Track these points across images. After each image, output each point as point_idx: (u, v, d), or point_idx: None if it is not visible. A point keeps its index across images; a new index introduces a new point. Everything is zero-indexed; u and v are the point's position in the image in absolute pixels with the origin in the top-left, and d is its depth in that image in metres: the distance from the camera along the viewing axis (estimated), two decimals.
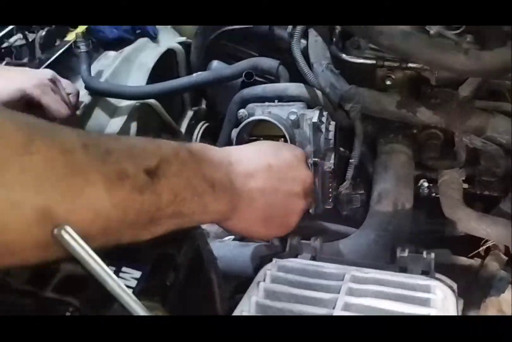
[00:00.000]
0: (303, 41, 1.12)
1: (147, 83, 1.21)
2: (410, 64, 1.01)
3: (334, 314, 0.58)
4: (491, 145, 1.03)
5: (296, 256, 0.79)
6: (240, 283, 0.78)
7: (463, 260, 1.17)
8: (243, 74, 1.12)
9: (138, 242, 0.62)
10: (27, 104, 0.92)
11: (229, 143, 1.09)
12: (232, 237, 1.10)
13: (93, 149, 0.42)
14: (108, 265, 0.61)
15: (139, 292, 0.58)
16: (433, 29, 0.96)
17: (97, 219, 0.41)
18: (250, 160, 0.60)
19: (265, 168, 0.60)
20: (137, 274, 0.60)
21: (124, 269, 0.61)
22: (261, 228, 0.63)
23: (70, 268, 0.52)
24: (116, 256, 0.62)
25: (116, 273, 0.60)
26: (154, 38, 1.35)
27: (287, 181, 0.62)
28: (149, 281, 0.59)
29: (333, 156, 1.05)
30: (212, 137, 1.35)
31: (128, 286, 0.58)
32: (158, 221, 0.49)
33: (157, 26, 1.36)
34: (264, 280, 0.67)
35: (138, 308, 0.52)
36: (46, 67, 1.11)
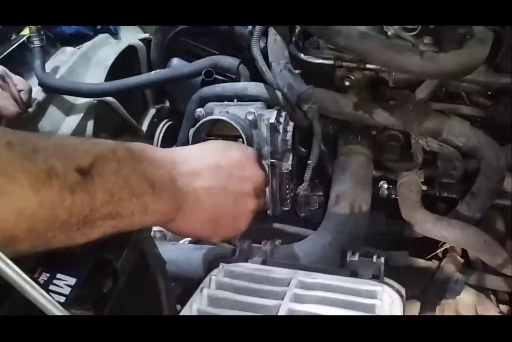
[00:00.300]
0: (263, 40, 1.11)
1: (106, 80, 1.18)
2: (368, 65, 1.01)
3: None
4: (447, 148, 1.04)
5: (246, 260, 0.78)
6: (192, 286, 0.76)
7: (421, 262, 1.17)
8: (203, 72, 1.10)
9: (74, 246, 0.60)
10: None
11: (187, 142, 1.07)
12: (188, 239, 1.08)
13: (18, 147, 0.40)
14: (41, 272, 0.59)
15: (72, 299, 0.56)
16: (390, 30, 0.96)
17: (22, 219, 0.39)
18: (196, 159, 0.57)
19: (212, 168, 0.57)
20: (72, 281, 0.58)
21: (58, 275, 0.58)
22: (208, 229, 0.61)
23: None
24: (50, 262, 0.60)
25: (50, 280, 0.58)
26: (114, 34, 1.32)
27: (237, 180, 0.59)
28: (83, 288, 0.57)
29: (291, 157, 1.05)
30: (174, 136, 1.33)
31: (61, 294, 0.57)
32: (93, 222, 0.47)
33: None
34: (209, 286, 0.66)
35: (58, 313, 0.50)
36: None
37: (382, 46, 0.90)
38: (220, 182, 0.57)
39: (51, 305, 0.48)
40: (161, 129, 1.37)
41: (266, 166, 1.00)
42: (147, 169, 0.51)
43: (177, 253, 0.89)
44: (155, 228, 1.05)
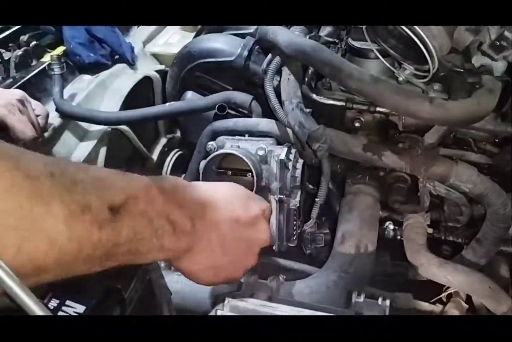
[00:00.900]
0: (277, 78, 1.14)
1: (121, 109, 1.20)
2: (378, 108, 1.03)
3: None
4: (454, 193, 1.05)
5: (251, 295, 0.77)
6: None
7: (425, 305, 1.16)
8: (216, 106, 1.13)
9: (86, 275, 0.60)
10: None
11: (197, 174, 1.08)
12: None
13: (60, 178, 0.41)
14: (51, 297, 0.59)
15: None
16: (401, 76, 0.99)
17: (52, 250, 0.40)
18: (220, 209, 0.58)
19: (233, 220, 0.59)
20: (81, 308, 0.58)
21: (68, 302, 0.58)
22: (209, 275, 0.62)
23: None
24: (60, 289, 0.60)
25: (59, 306, 0.58)
26: (132, 64, 1.35)
27: (248, 238, 0.61)
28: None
29: (299, 194, 1.05)
30: (184, 165, 1.34)
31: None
32: (113, 256, 0.47)
33: (135, 53, 1.36)
34: None
35: None
36: (19, 87, 1.09)
37: (392, 91, 0.92)
38: (233, 236, 0.59)
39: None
40: (171, 159, 1.39)
41: (274, 202, 1.01)
42: (173, 211, 0.52)
43: (183, 284, 0.88)
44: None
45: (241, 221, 0.59)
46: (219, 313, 0.66)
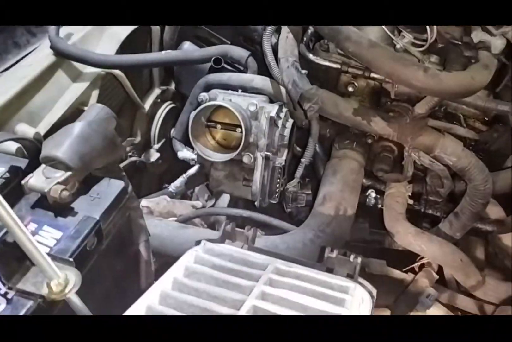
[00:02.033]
0: (276, 36, 1.13)
1: (116, 53, 1.19)
2: (373, 74, 1.03)
3: (248, 301, 0.58)
4: (438, 165, 1.06)
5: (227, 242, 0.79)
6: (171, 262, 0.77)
7: (397, 273, 1.20)
8: (212, 59, 1.12)
9: (64, 202, 0.61)
10: None
11: (186, 125, 1.08)
12: (174, 218, 1.09)
13: None
14: (30, 221, 0.60)
15: (56, 252, 0.57)
16: (400, 44, 0.99)
17: None
18: None
19: None
20: (58, 234, 0.59)
21: (45, 227, 0.60)
22: None
23: None
24: (40, 213, 0.61)
25: (37, 230, 0.59)
26: None
27: None
28: (68, 243, 0.58)
29: (285, 152, 1.06)
30: (175, 118, 1.34)
31: (46, 245, 0.58)
32: None
33: None
34: (188, 260, 0.67)
35: (48, 267, 0.51)
36: None
37: (389, 57, 0.92)
38: None
39: (36, 252, 0.50)
40: (163, 110, 1.38)
41: (260, 159, 1.02)
42: None
43: (162, 228, 0.90)
44: (142, 204, 1.06)
45: None
46: (194, 253, 0.68)
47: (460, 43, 0.97)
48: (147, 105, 1.35)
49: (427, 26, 0.89)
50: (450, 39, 0.97)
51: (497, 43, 1.03)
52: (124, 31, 1.23)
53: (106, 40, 1.21)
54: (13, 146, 0.81)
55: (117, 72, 1.18)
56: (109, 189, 0.66)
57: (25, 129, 0.97)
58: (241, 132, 1.00)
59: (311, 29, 1.12)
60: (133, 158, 1.23)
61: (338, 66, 1.05)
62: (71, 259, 0.55)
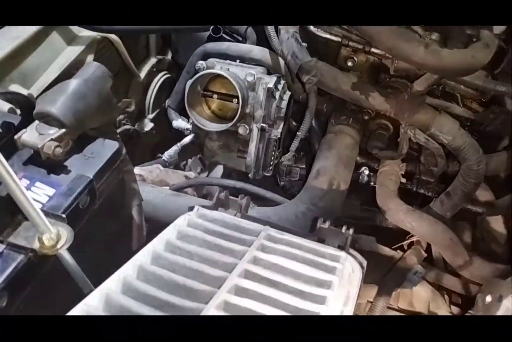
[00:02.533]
0: None
1: None
2: (373, 49, 1.02)
3: (240, 264, 0.58)
4: (433, 143, 1.06)
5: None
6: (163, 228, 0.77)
7: (386, 250, 1.21)
8: (211, 28, 1.10)
9: (57, 159, 0.60)
10: None
11: (182, 93, 1.07)
12: (167, 187, 1.09)
13: None
14: (22, 177, 0.60)
15: (48, 208, 0.56)
16: None
17: None
18: None
19: None
20: (50, 191, 0.58)
21: (37, 184, 0.59)
22: None
23: None
24: (32, 170, 0.61)
25: (29, 186, 0.58)
26: None
27: None
28: (61, 200, 0.57)
29: (282, 125, 1.06)
30: (170, 88, 1.32)
31: (38, 201, 0.57)
32: None
33: None
34: (182, 223, 0.67)
35: (40, 221, 0.51)
36: None
37: (390, 31, 0.91)
38: None
39: (30, 206, 0.49)
40: (158, 79, 1.36)
41: (256, 130, 1.01)
42: None
43: (155, 195, 0.89)
44: (135, 171, 1.05)
45: None
46: (187, 217, 0.67)
47: None
48: (142, 73, 1.33)
49: None
50: None
51: None
52: None
53: None
54: (5, 106, 0.80)
55: (114, 37, 1.15)
56: (103, 149, 0.65)
57: (18, 90, 0.96)
58: (238, 102, 0.99)
59: None
60: (127, 127, 1.22)
61: (339, 39, 1.04)
62: (63, 215, 0.55)
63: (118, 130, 1.20)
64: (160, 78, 1.37)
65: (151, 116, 1.36)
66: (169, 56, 1.43)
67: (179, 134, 1.16)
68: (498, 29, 1.03)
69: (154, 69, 1.37)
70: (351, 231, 0.79)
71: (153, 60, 1.37)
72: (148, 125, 1.34)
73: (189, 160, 1.35)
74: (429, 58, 0.90)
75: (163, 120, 1.30)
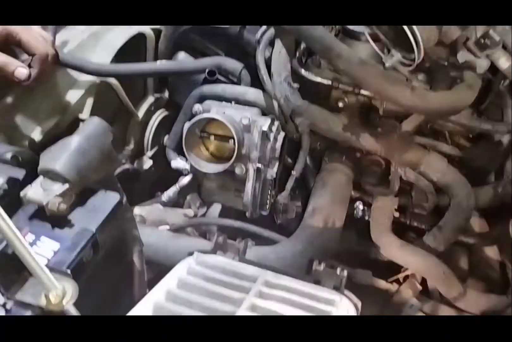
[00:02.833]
0: (269, 50, 1.15)
1: (111, 62, 1.20)
2: (362, 91, 1.06)
3: (238, 313, 0.60)
4: (423, 181, 1.09)
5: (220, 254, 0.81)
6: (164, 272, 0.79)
7: (382, 283, 1.23)
8: (207, 71, 1.14)
9: (61, 213, 0.62)
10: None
11: (180, 135, 1.10)
12: (167, 227, 1.11)
13: None
14: (27, 232, 0.62)
15: (53, 263, 0.58)
16: (388, 62, 1.02)
17: None
18: None
19: None
20: (55, 246, 0.61)
21: (43, 238, 0.61)
22: None
23: None
24: (37, 224, 0.63)
25: (34, 241, 0.61)
26: None
27: None
28: (65, 254, 0.59)
29: (277, 165, 1.09)
30: (168, 126, 1.35)
31: (43, 256, 0.59)
32: None
33: None
34: (181, 271, 0.69)
35: (46, 279, 0.53)
36: None
37: (377, 75, 0.95)
38: None
39: (35, 263, 0.51)
40: (156, 118, 1.39)
41: (252, 170, 1.04)
42: None
43: (155, 238, 0.92)
44: (135, 212, 1.07)
45: None
46: (187, 265, 0.69)
47: (446, 63, 1.01)
48: (140, 113, 1.37)
49: (415, 46, 0.92)
50: (437, 59, 1.00)
51: (482, 64, 1.06)
52: (119, 40, 1.25)
53: (101, 48, 1.22)
54: (8, 154, 0.83)
55: (112, 80, 1.19)
56: (105, 201, 0.68)
57: (20, 136, 0.99)
58: (234, 144, 1.02)
59: (303, 44, 1.15)
60: (126, 166, 1.25)
61: (329, 82, 1.08)
62: (68, 271, 0.57)
63: (118, 170, 1.23)
64: (158, 116, 1.40)
65: (150, 154, 1.39)
66: (166, 94, 1.47)
67: (178, 171, 1.19)
68: (482, 69, 1.08)
69: (152, 108, 1.40)
70: (345, 272, 0.81)
71: (150, 99, 1.41)
72: (147, 163, 1.37)
73: (188, 196, 1.37)
74: (415, 101, 0.95)
75: (162, 157, 1.33)
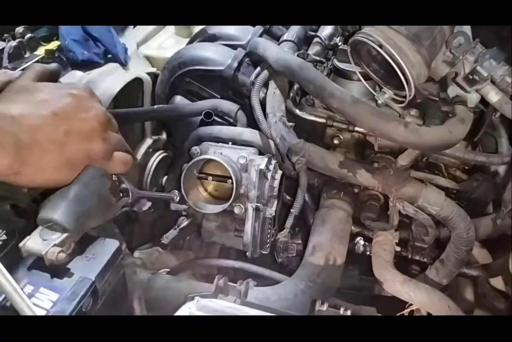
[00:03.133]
0: (264, 91, 1.18)
1: (109, 108, 1.22)
2: (357, 128, 1.07)
3: None
4: (422, 214, 1.09)
5: (221, 297, 0.80)
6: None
7: None
8: (203, 113, 1.16)
9: (60, 264, 0.62)
10: None
11: (179, 177, 1.11)
12: (167, 270, 1.10)
13: None
14: (26, 284, 0.62)
15: (53, 314, 0.58)
16: (381, 99, 1.04)
17: None
18: (33, 112, 0.57)
19: (50, 118, 0.58)
20: (54, 296, 0.60)
21: (42, 289, 0.61)
22: (65, 173, 0.61)
23: None
24: (36, 275, 0.63)
25: (33, 292, 0.60)
26: (124, 65, 1.37)
27: (78, 123, 0.60)
28: (64, 305, 0.59)
29: (275, 203, 1.09)
30: (167, 167, 1.36)
31: (43, 308, 0.59)
32: None
33: (128, 54, 1.38)
34: None
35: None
36: None
37: (371, 112, 0.97)
38: (61, 129, 0.59)
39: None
40: (154, 159, 1.41)
41: (251, 210, 1.05)
42: None
43: (155, 282, 0.91)
44: (135, 255, 1.07)
45: (59, 114, 0.59)
46: (187, 311, 0.69)
47: (437, 99, 1.03)
48: (139, 155, 1.38)
49: (405, 84, 0.94)
50: (428, 95, 1.03)
51: (472, 98, 1.08)
52: (117, 85, 1.28)
53: (99, 94, 1.24)
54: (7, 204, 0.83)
55: None
56: (104, 248, 0.68)
57: None
58: (232, 184, 1.03)
59: (297, 85, 1.17)
60: (125, 208, 1.24)
61: (324, 120, 1.10)
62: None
63: (117, 213, 1.23)
64: (156, 157, 1.41)
65: None
66: (164, 135, 1.49)
67: (177, 212, 1.19)
68: (472, 102, 1.10)
69: (150, 150, 1.42)
70: (348, 312, 0.80)
71: (148, 141, 1.43)
72: (146, 205, 1.37)
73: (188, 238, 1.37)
74: (409, 137, 0.96)
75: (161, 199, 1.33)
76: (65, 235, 0.63)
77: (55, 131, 0.58)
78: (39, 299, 0.60)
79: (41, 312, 0.54)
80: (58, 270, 0.63)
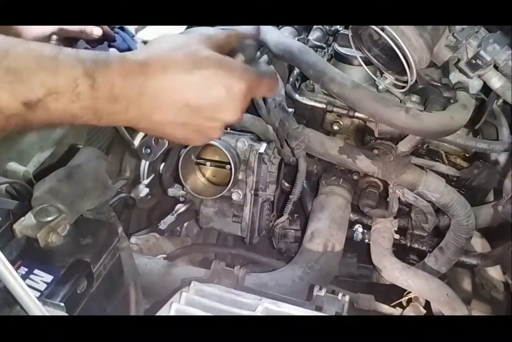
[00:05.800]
0: None
1: None
2: (357, 114, 1.06)
3: None
4: (421, 201, 1.08)
5: (217, 282, 0.80)
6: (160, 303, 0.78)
7: (385, 308, 1.20)
8: None
9: (55, 246, 0.61)
10: None
11: (176, 162, 1.10)
12: (163, 256, 1.10)
13: None
14: (20, 265, 0.61)
15: (47, 296, 0.57)
16: (382, 85, 1.03)
17: None
18: (167, 95, 0.51)
19: (179, 107, 0.52)
20: (48, 278, 0.60)
21: (36, 271, 0.60)
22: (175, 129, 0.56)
23: None
24: (30, 257, 0.62)
25: (27, 274, 0.60)
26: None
27: (204, 120, 0.54)
28: (58, 286, 0.58)
29: (274, 189, 1.08)
30: (164, 154, 1.35)
31: (37, 289, 0.58)
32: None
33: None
34: (178, 301, 0.67)
35: (38, 313, 0.52)
36: None
37: (371, 98, 0.96)
38: (183, 119, 0.54)
39: (28, 297, 0.50)
40: None
41: (249, 195, 1.04)
42: (103, 105, 0.48)
43: (152, 267, 0.90)
44: (132, 241, 1.06)
45: (192, 107, 0.53)
46: (184, 295, 0.68)
47: (439, 84, 1.02)
48: (136, 141, 1.37)
49: (407, 69, 0.93)
50: (430, 81, 1.01)
51: (475, 84, 1.07)
52: None
53: None
54: (2, 185, 0.82)
55: None
56: (100, 230, 0.67)
57: (15, 168, 0.98)
58: (230, 169, 1.02)
59: (297, 70, 1.16)
60: (123, 195, 1.24)
61: (324, 106, 1.08)
62: (61, 304, 0.56)
63: (114, 199, 1.22)
64: None
65: (146, 181, 1.38)
66: None
67: (175, 198, 1.18)
68: (474, 89, 1.09)
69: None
70: (347, 297, 0.79)
71: None
72: (144, 191, 1.36)
73: (185, 223, 1.36)
74: (410, 122, 0.95)
75: (158, 185, 1.33)
76: (60, 216, 0.62)
77: (174, 119, 0.54)
78: (33, 281, 0.59)
79: (35, 294, 0.53)
80: (52, 252, 0.62)
